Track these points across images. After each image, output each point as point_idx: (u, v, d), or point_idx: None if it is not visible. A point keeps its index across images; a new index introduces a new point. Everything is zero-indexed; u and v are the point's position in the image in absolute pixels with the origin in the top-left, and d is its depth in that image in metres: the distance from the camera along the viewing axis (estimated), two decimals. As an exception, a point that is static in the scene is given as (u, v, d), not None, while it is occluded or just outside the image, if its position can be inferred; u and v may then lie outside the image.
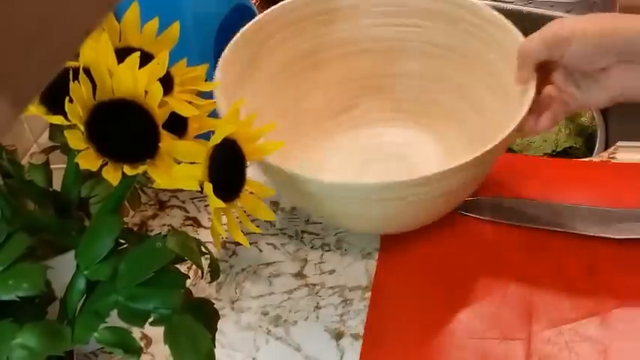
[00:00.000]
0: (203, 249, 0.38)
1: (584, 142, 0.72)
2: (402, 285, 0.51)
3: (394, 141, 0.62)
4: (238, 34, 0.53)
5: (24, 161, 0.44)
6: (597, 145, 0.70)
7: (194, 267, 0.50)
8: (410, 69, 0.61)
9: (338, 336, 0.48)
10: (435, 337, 0.47)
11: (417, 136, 0.61)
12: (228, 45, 0.52)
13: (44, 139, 0.59)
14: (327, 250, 0.54)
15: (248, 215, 0.42)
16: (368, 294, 0.50)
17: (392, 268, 0.52)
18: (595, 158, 0.60)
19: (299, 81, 0.60)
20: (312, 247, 0.54)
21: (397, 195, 0.46)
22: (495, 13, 0.54)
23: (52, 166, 0.42)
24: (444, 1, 0.57)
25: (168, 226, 0.57)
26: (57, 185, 0.41)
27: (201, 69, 0.42)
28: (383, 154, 0.61)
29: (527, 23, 0.68)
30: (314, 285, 0.51)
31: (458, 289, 0.50)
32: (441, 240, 0.53)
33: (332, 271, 0.52)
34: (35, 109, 0.35)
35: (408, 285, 0.51)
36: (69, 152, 0.38)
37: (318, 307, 0.50)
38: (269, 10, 0.56)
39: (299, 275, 0.52)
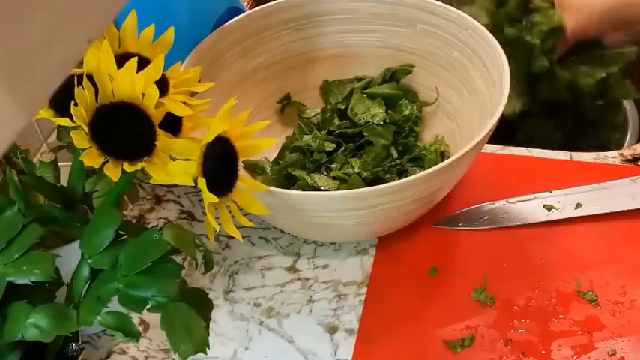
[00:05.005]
0: (197, 241, 0.40)
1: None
2: (398, 280, 0.54)
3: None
4: (199, 45, 0.57)
5: (35, 159, 0.47)
6: (628, 138, 0.72)
7: (189, 258, 0.55)
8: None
9: (332, 330, 0.52)
10: (427, 333, 0.51)
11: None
12: (189, 54, 0.56)
13: (53, 139, 0.64)
14: (320, 245, 0.58)
15: (241, 209, 0.44)
16: (363, 289, 0.54)
17: (388, 263, 0.56)
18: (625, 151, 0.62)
19: (259, 90, 0.64)
20: (304, 242, 0.58)
21: (367, 204, 0.48)
22: (456, 10, 0.57)
23: (59, 164, 0.46)
24: (399, 3, 0.60)
25: (164, 219, 0.62)
26: (64, 181, 0.45)
27: (195, 71, 0.46)
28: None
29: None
30: (307, 279, 0.55)
31: (453, 282, 0.54)
32: (436, 237, 0.58)
33: (325, 266, 0.56)
34: (45, 113, 0.39)
35: (404, 281, 0.54)
36: (74, 151, 0.42)
37: (311, 301, 0.54)
38: (231, 21, 0.60)
39: (291, 269, 0.56)
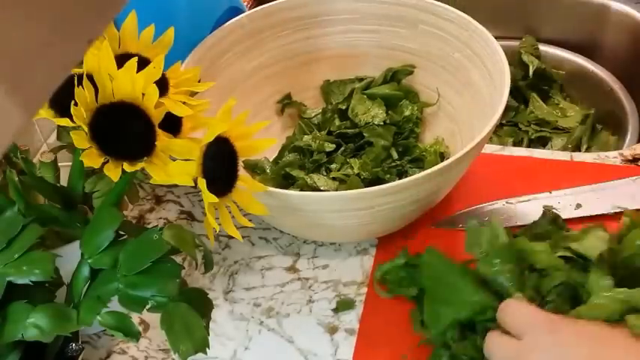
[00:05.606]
0: (197, 241, 0.40)
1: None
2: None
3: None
4: (199, 45, 0.57)
5: (35, 159, 0.48)
6: (628, 138, 0.73)
7: (189, 258, 0.55)
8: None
9: (332, 330, 0.51)
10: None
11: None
12: (189, 54, 0.56)
13: (53, 139, 0.64)
14: (320, 245, 0.58)
15: (241, 209, 0.44)
16: (363, 289, 0.54)
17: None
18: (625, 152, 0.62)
19: (259, 90, 0.64)
20: (304, 242, 0.58)
21: (366, 204, 0.48)
22: (456, 11, 0.57)
23: (59, 164, 0.46)
24: (400, 4, 0.60)
25: (164, 219, 0.62)
26: (64, 181, 0.45)
27: (195, 71, 0.46)
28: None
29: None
30: (307, 279, 0.55)
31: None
32: (436, 237, 0.57)
33: (325, 266, 0.56)
34: (45, 113, 0.39)
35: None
36: (74, 151, 0.43)
37: (311, 301, 0.54)
38: (231, 21, 0.60)
39: (291, 269, 0.56)
